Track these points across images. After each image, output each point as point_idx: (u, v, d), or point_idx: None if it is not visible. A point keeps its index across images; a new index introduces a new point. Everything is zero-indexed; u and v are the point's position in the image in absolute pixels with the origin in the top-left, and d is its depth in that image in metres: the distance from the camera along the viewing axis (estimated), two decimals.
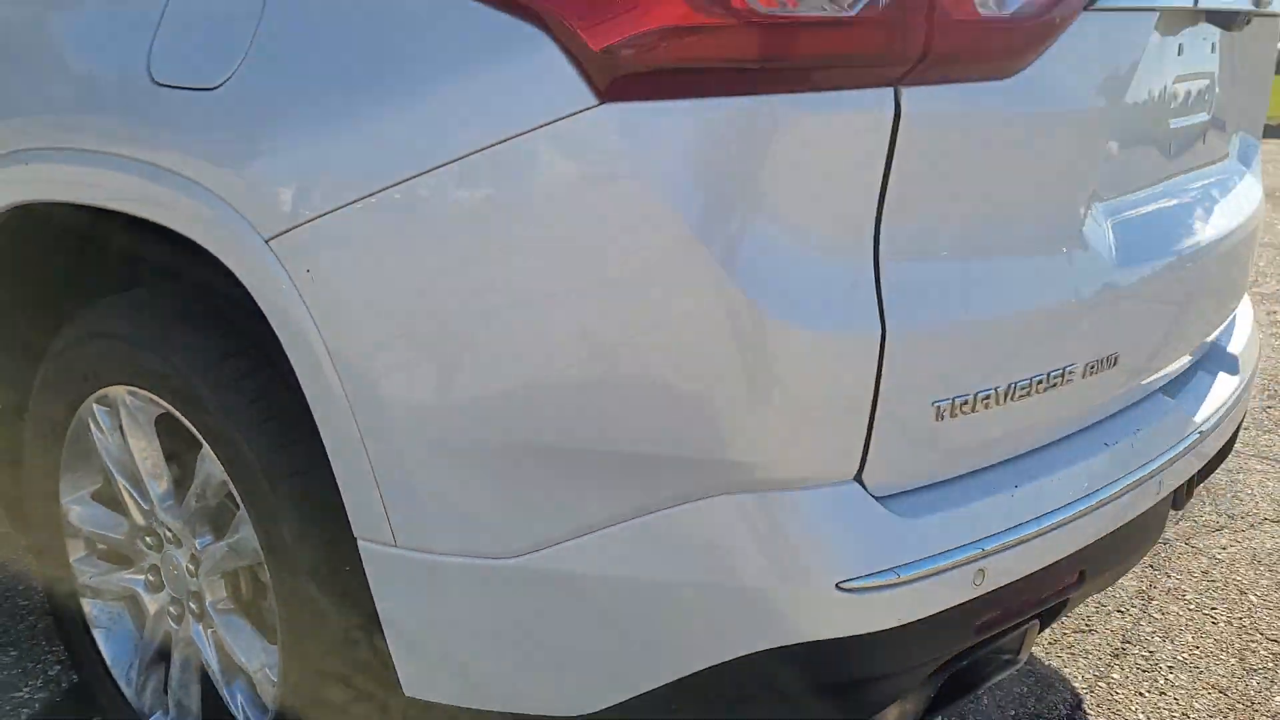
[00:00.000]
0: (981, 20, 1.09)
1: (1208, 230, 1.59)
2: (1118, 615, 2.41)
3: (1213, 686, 2.16)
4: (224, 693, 1.62)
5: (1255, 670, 2.22)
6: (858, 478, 1.17)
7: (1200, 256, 1.56)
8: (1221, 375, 1.75)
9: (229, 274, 1.33)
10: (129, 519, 1.70)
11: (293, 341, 1.28)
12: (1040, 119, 1.19)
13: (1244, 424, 3.51)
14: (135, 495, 1.66)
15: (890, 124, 1.08)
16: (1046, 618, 1.46)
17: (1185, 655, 2.26)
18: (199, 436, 1.48)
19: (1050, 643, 2.29)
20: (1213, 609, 2.44)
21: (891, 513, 1.19)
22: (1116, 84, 1.30)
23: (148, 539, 1.68)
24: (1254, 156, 1.98)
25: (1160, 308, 1.47)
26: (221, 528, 1.56)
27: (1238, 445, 3.26)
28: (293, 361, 1.29)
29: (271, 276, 1.26)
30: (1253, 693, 2.14)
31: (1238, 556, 2.69)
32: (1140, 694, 2.13)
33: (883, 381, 1.13)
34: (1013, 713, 2.07)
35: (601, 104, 1.07)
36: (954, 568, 1.21)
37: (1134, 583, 2.54)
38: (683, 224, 1.08)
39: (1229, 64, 1.79)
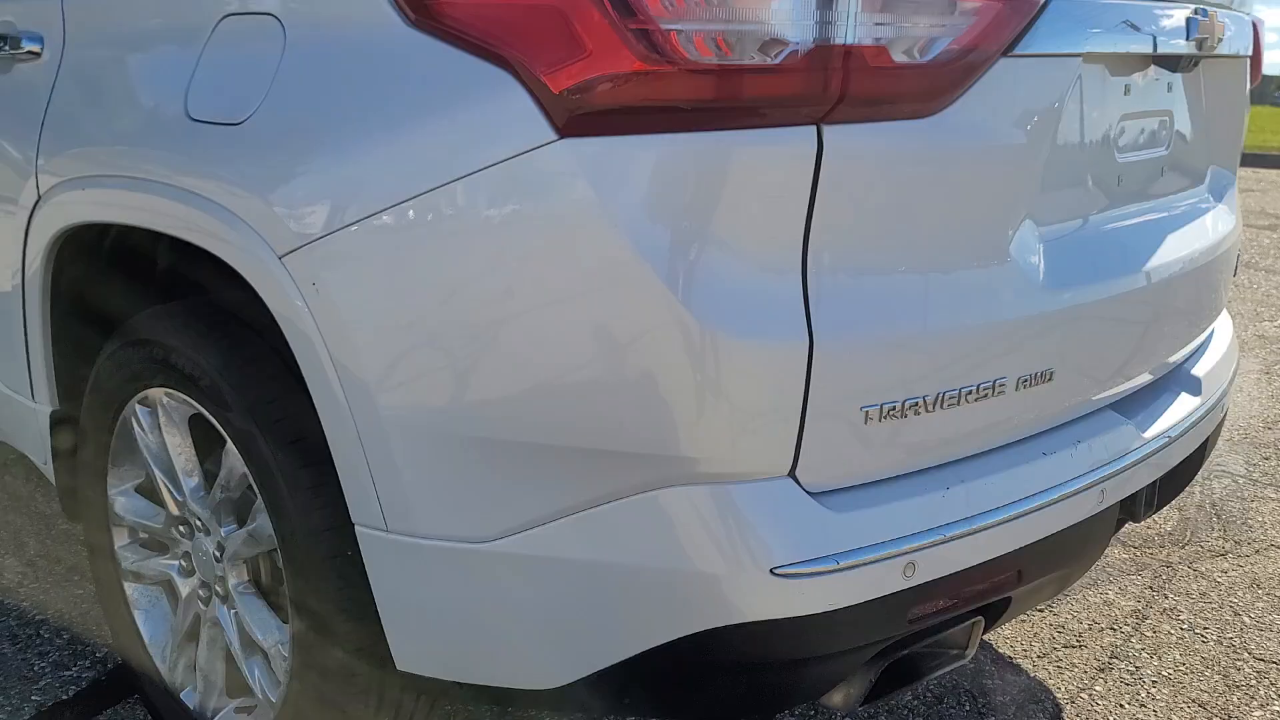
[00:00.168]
0: (895, 67, 1.22)
1: (1159, 258, 1.70)
2: (1110, 632, 2.48)
3: (1193, 701, 2.23)
4: (243, 668, 1.79)
5: (1238, 686, 2.28)
6: (792, 474, 1.30)
7: (1150, 282, 1.66)
8: (1182, 396, 1.84)
9: (249, 288, 1.50)
10: (165, 509, 1.88)
11: (301, 348, 1.45)
12: (961, 154, 1.32)
13: (1230, 448, 3.54)
14: (171, 488, 1.84)
15: (814, 157, 1.22)
16: (991, 615, 1.57)
17: (1170, 671, 2.33)
18: (224, 434, 1.65)
19: (1039, 655, 2.38)
20: (1205, 629, 2.50)
21: (825, 507, 1.32)
22: (1044, 122, 1.42)
23: (181, 528, 1.86)
24: (1227, 189, 2.07)
25: (1102, 329, 1.58)
26: (243, 517, 1.73)
27: (1254, 474, 3.32)
28: (301, 366, 1.46)
29: (284, 289, 1.44)
30: (1231, 707, 2.21)
31: (1238, 581, 2.74)
32: (1120, 706, 2.21)
33: (812, 387, 1.27)
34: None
35: (560, 139, 1.23)
36: (883, 559, 1.33)
37: (1130, 602, 2.61)
38: (631, 246, 1.22)
39: (1196, 102, 1.90)
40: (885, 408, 1.32)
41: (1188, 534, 3.00)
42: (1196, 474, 2.01)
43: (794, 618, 1.31)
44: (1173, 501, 2.06)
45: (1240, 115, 2.07)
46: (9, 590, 2.51)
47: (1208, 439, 1.93)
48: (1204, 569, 2.80)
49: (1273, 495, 3.27)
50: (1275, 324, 5.36)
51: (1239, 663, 2.37)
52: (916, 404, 1.35)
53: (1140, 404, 1.75)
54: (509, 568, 1.39)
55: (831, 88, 1.20)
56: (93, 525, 2.01)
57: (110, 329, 1.87)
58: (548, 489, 1.35)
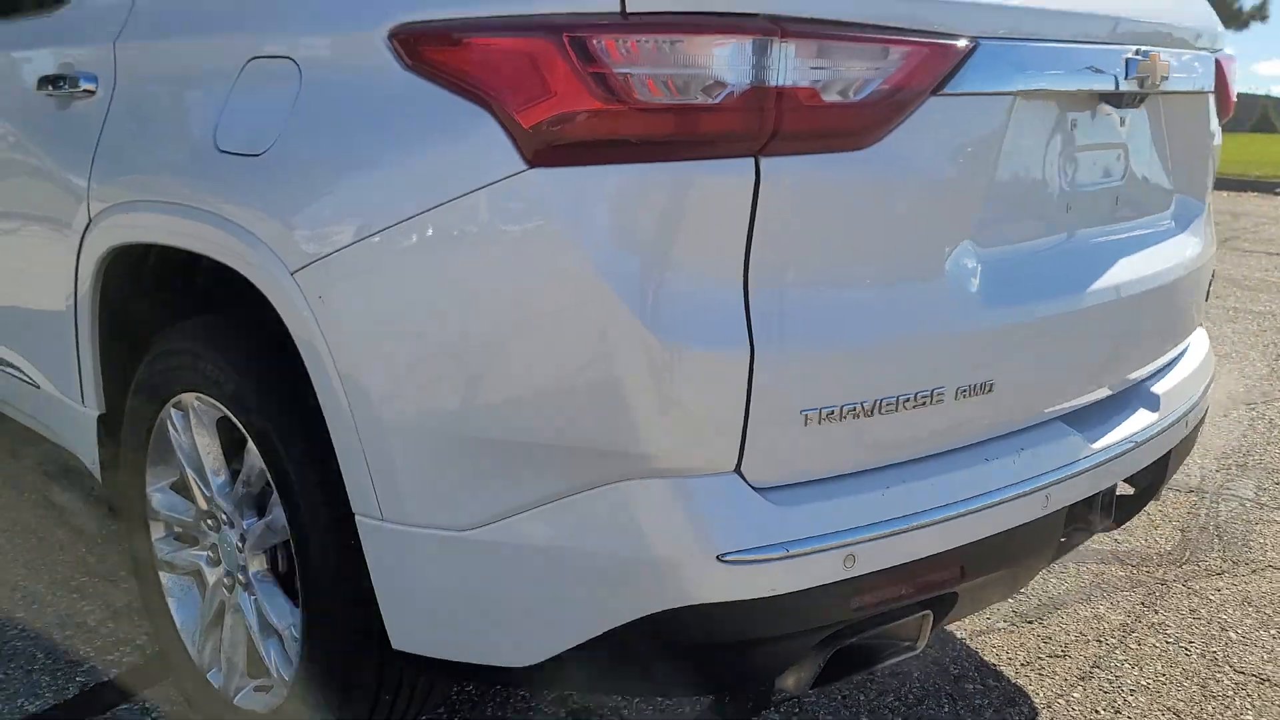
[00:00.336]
0: (826, 105, 1.37)
1: (1108, 281, 1.81)
2: (1095, 644, 2.57)
3: (1169, 709, 2.31)
4: (261, 649, 1.96)
5: (1214, 696, 2.36)
6: (738, 470, 1.45)
7: (1099, 303, 1.78)
8: (1140, 411, 1.95)
9: (267, 302, 1.68)
10: (196, 504, 2.06)
11: (310, 355, 1.62)
12: (893, 182, 1.46)
13: (1243, 472, 3.59)
14: (201, 484, 2.03)
15: (752, 185, 1.36)
16: (940, 610, 1.68)
17: (1149, 681, 2.42)
18: (246, 434, 1.83)
19: (1023, 663, 2.47)
20: (1190, 643, 2.58)
21: (769, 501, 1.46)
22: (979, 153, 1.55)
23: (209, 521, 2.04)
24: (1194, 218, 2.18)
25: (1046, 345, 1.70)
26: (262, 510, 1.91)
27: (1263, 499, 3.38)
28: (310, 371, 1.64)
29: (295, 303, 1.61)
30: (1206, 716, 2.29)
31: (1230, 598, 2.81)
32: (1096, 712, 2.30)
33: (754, 392, 1.41)
34: None
35: (530, 169, 1.39)
36: (823, 550, 1.47)
37: (1120, 617, 2.69)
38: (591, 264, 1.38)
39: (1156, 135, 2.02)
40: (824, 412, 1.46)
41: (1187, 553, 3.07)
42: (1161, 487, 2.11)
43: (740, 601, 1.45)
44: (1140, 512, 2.15)
45: (1206, 147, 2.18)
46: (60, 583, 2.72)
47: (1169, 453, 2.03)
48: (1198, 587, 2.87)
49: (1278, 519, 3.33)
50: None
51: (1219, 675, 2.45)
52: (855, 409, 1.48)
53: (1093, 417, 1.86)
54: (487, 553, 1.55)
55: (766, 124, 1.35)
56: (133, 520, 2.20)
57: (151, 340, 2.06)
58: (521, 482, 1.50)
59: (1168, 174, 2.07)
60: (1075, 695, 2.36)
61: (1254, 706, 2.33)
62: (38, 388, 2.47)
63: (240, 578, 1.99)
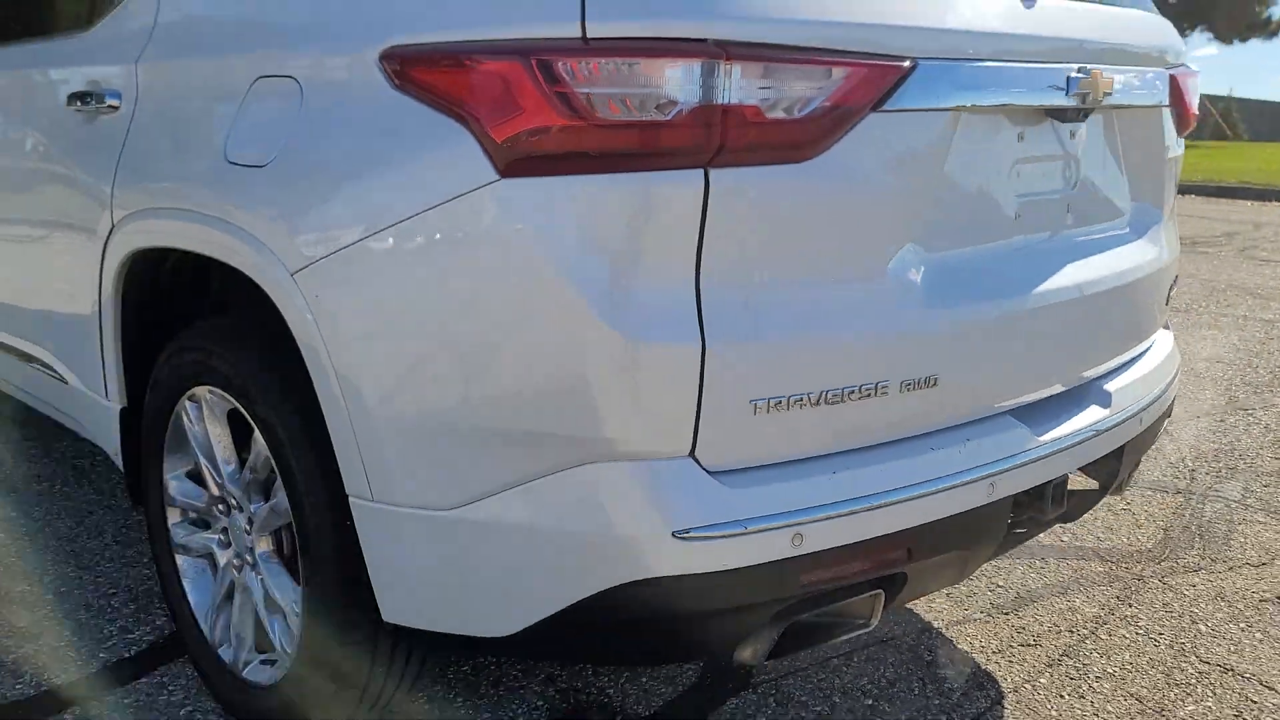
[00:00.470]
0: (769, 122, 1.51)
1: (1056, 283, 1.93)
2: (1067, 635, 2.68)
3: (1131, 695, 2.42)
4: (267, 625, 2.11)
5: (1177, 684, 2.46)
6: (692, 454, 1.58)
7: (1046, 304, 1.90)
8: (1091, 408, 2.07)
9: (271, 304, 1.83)
10: (208, 491, 2.22)
11: (308, 350, 1.77)
12: (836, 191, 1.59)
13: (1231, 474, 3.66)
14: (213, 471, 2.18)
15: (702, 194, 1.50)
16: (891, 590, 1.81)
17: (1115, 669, 2.52)
18: (252, 423, 1.98)
19: (995, 651, 2.58)
20: (1159, 634, 2.68)
21: (720, 483, 1.59)
22: (921, 164, 1.68)
23: (220, 506, 2.20)
24: (1153, 224, 2.29)
25: (992, 342, 1.82)
26: (268, 494, 2.06)
27: (1248, 500, 3.47)
28: (308, 365, 1.78)
29: (295, 302, 1.76)
30: (1167, 703, 2.39)
31: (1203, 594, 2.91)
32: (1060, 696, 2.41)
33: (705, 383, 1.54)
34: (937, 702, 2.37)
35: (501, 179, 1.53)
36: (771, 529, 1.60)
37: (1093, 609, 2.80)
38: (556, 265, 1.52)
39: (1110, 146, 2.13)
40: (772, 401, 1.59)
41: (1166, 551, 3.17)
42: (1120, 482, 2.23)
43: (694, 574, 1.58)
44: (1100, 505, 2.26)
45: (1162, 158, 2.29)
46: (88, 567, 2.89)
47: (1123, 448, 2.14)
48: (1174, 583, 2.97)
49: (1261, 519, 3.41)
50: None
51: (1183, 664, 2.55)
52: (801, 400, 1.61)
53: (1043, 412, 1.98)
54: (466, 531, 1.69)
55: (713, 139, 1.48)
56: (153, 506, 2.36)
57: (169, 338, 2.22)
58: (496, 466, 1.64)
59: (1122, 184, 2.19)
60: (1042, 681, 2.47)
61: (1214, 694, 2.43)
62: (65, 383, 2.65)
63: (248, 558, 2.14)
